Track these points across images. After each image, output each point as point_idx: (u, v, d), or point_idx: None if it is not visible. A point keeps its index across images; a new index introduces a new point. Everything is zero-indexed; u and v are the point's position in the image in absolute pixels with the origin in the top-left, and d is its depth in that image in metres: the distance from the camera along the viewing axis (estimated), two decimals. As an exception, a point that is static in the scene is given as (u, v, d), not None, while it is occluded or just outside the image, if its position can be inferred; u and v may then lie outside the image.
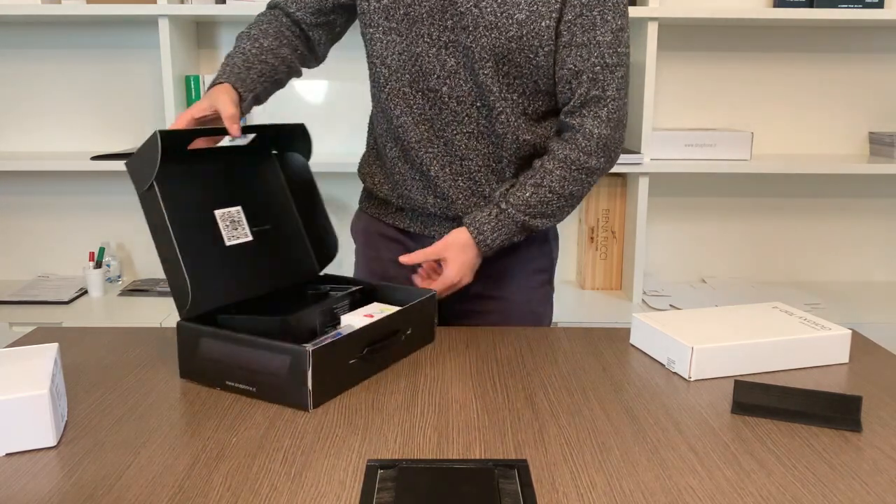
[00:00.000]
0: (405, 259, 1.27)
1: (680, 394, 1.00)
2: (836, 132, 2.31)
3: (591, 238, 2.23)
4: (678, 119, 2.30)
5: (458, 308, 1.37)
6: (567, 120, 1.23)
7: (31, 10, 1.96)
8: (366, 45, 1.27)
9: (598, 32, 1.18)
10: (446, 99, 1.22)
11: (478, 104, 1.22)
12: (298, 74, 1.36)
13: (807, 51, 2.25)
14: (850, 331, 1.11)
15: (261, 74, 1.26)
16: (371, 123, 1.38)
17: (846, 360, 1.11)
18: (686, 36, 2.24)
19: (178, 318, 1.27)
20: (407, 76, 1.23)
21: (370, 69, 1.28)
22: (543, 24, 1.16)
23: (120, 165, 2.05)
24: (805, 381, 1.04)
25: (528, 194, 1.22)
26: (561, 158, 1.22)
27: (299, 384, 0.94)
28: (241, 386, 0.98)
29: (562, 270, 2.38)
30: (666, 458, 0.83)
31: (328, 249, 1.26)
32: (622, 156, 2.02)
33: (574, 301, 2.16)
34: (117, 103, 2.27)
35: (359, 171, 1.42)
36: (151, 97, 2.27)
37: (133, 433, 0.88)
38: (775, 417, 0.92)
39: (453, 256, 1.24)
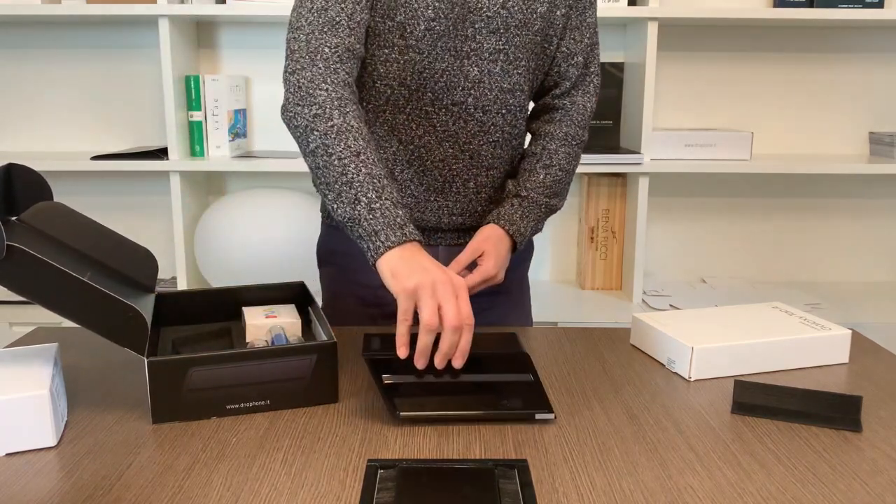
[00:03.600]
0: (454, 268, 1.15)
1: (680, 394, 1.00)
2: (836, 132, 2.31)
3: (591, 238, 2.23)
4: (678, 119, 2.30)
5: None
6: (557, 102, 1.27)
7: (31, 10, 1.96)
8: (371, 67, 1.16)
9: (588, 14, 1.24)
10: (472, 110, 1.19)
11: (503, 111, 1.21)
12: None
13: (807, 51, 2.25)
14: (850, 331, 1.11)
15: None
16: None
17: (846, 360, 1.11)
18: (686, 36, 2.24)
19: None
20: (429, 94, 1.16)
21: (376, 92, 1.18)
22: (559, 13, 1.19)
23: (120, 165, 2.05)
24: (805, 381, 1.04)
25: (541, 177, 1.24)
26: (561, 137, 1.26)
27: (328, 378, 0.95)
28: (249, 405, 0.93)
29: (562, 270, 2.38)
30: (666, 458, 0.83)
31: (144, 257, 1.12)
32: (622, 156, 2.03)
33: (574, 301, 2.16)
34: (117, 103, 2.27)
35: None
36: (151, 97, 2.27)
37: (133, 433, 0.88)
38: (775, 417, 0.92)
39: (490, 249, 1.18)
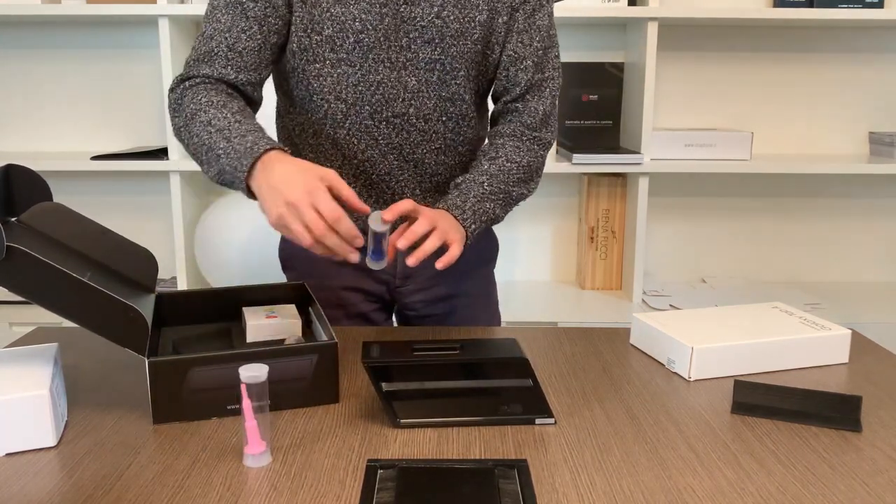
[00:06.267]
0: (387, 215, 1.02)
1: (680, 394, 1.00)
2: (836, 132, 2.31)
3: (591, 238, 2.23)
4: (678, 119, 2.30)
5: (425, 312, 1.34)
6: (510, 106, 1.23)
7: (31, 10, 1.96)
8: (304, 83, 1.16)
9: (538, 17, 1.19)
10: (413, 120, 1.18)
11: (443, 118, 1.20)
12: None
13: (807, 51, 2.25)
14: (850, 331, 1.11)
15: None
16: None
17: (846, 360, 1.11)
18: (686, 36, 2.24)
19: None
20: (367, 108, 1.16)
21: (314, 107, 1.18)
22: (501, 19, 1.16)
23: (120, 165, 2.05)
24: (805, 381, 1.04)
25: (486, 166, 1.19)
26: (509, 133, 1.22)
27: (329, 379, 0.95)
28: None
29: (562, 270, 2.38)
30: (666, 458, 0.83)
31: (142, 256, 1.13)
32: (622, 156, 2.03)
33: (574, 301, 2.16)
34: (117, 103, 2.27)
35: None
36: (151, 97, 2.27)
37: (133, 433, 0.88)
38: (775, 417, 0.93)
39: (425, 210, 1.06)
